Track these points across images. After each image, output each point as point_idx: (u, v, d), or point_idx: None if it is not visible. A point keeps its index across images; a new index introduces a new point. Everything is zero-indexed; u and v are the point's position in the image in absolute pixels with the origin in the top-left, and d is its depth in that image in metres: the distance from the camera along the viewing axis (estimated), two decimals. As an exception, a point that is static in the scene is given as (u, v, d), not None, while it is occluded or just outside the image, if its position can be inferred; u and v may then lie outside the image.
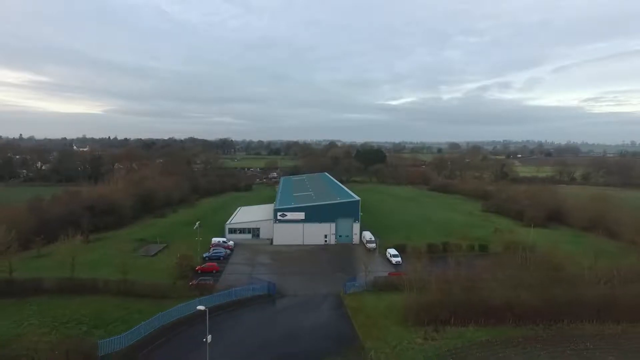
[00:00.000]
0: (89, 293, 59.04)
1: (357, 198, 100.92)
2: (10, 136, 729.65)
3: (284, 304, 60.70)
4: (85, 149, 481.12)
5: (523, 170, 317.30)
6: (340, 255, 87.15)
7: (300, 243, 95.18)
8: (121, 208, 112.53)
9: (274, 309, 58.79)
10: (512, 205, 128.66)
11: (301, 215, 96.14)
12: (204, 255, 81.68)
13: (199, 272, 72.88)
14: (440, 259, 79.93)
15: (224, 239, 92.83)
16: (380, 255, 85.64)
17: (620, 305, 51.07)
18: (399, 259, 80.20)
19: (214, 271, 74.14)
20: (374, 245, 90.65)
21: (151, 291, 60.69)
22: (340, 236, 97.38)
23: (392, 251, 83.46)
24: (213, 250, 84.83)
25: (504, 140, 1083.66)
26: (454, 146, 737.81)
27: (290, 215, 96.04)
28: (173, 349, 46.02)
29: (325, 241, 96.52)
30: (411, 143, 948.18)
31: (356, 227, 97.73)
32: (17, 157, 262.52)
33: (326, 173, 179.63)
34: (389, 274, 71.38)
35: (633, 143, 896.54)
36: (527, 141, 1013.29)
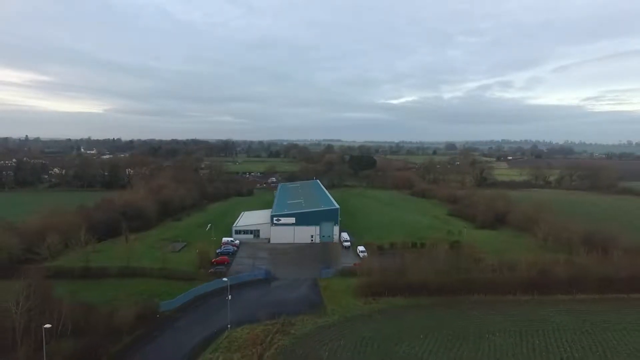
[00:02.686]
0: (141, 276, 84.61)
1: (337, 206, 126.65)
2: (15, 136, 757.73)
3: (277, 284, 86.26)
4: (92, 151, 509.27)
5: (507, 174, 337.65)
6: (322, 251, 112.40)
7: (292, 242, 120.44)
8: (147, 213, 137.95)
9: (269, 287, 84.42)
10: (470, 209, 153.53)
11: (292, 220, 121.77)
12: (217, 251, 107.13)
13: (214, 263, 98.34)
14: (395, 253, 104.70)
15: (232, 239, 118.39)
16: (353, 251, 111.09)
17: (500, 284, 76.63)
18: (365, 254, 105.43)
19: (225, 263, 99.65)
20: (348, 243, 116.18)
21: (183, 275, 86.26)
22: (323, 236, 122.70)
23: (361, 248, 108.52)
24: (224, 247, 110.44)
25: (502, 140, 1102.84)
26: (451, 146, 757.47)
27: (283, 220, 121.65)
28: (205, 308, 71.97)
29: (311, 240, 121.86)
30: (410, 143, 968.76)
31: (336, 229, 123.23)
32: (42, 162, 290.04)
33: (318, 181, 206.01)
34: (354, 264, 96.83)
35: (629, 142, 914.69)
36: (525, 140, 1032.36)
